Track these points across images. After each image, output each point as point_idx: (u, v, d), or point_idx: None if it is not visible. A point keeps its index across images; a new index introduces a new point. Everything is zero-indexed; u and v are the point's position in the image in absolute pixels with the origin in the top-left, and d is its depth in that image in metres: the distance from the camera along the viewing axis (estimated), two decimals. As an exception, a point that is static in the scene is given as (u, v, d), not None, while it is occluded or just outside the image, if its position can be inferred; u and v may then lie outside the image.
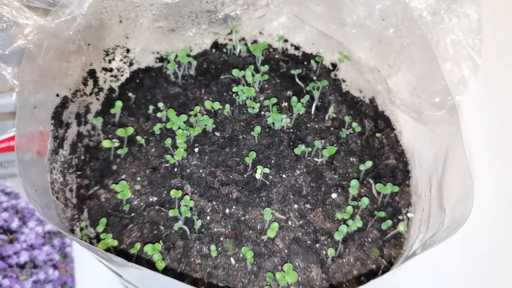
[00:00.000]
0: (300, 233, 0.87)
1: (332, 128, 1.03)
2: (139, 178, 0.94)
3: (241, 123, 1.01)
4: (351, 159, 0.98)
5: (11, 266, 1.04)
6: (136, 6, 0.94)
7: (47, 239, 1.10)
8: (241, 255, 0.84)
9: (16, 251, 1.07)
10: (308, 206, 0.91)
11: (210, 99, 1.04)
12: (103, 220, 0.87)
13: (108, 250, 0.84)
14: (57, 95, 0.92)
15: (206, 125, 0.99)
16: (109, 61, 1.06)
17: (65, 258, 1.08)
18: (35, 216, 1.12)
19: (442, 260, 1.00)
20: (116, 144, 0.95)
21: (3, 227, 1.09)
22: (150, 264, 0.83)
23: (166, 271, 0.82)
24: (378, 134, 1.03)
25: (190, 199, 0.89)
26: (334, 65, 1.14)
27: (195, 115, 1.00)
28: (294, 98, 1.02)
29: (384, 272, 0.85)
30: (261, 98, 1.05)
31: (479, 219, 0.99)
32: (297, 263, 0.83)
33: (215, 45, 1.17)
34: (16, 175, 0.80)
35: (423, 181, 0.92)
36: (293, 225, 0.88)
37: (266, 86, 1.08)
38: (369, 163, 0.94)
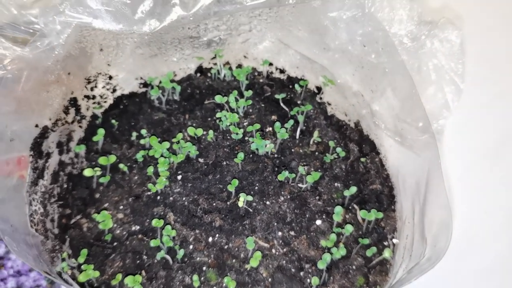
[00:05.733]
0: (284, 261, 0.86)
1: (316, 153, 1.02)
2: (121, 207, 0.94)
3: (225, 149, 1.00)
4: (336, 184, 0.97)
5: (-3, 293, 1.03)
6: (117, 34, 0.94)
7: (33, 265, 1.09)
8: (224, 284, 0.83)
9: (3, 277, 1.05)
10: (292, 233, 0.90)
11: (194, 124, 1.04)
12: (84, 251, 0.86)
13: (89, 281, 0.83)
14: (36, 125, 0.91)
15: (189, 151, 0.98)
16: (91, 89, 1.05)
17: (52, 284, 1.06)
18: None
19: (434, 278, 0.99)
20: (99, 173, 0.95)
21: (-11, 254, 1.08)
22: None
23: (148, 303, 0.81)
24: (363, 159, 1.02)
25: (172, 228, 0.88)
26: (319, 89, 1.14)
27: (178, 142, 0.99)
28: (278, 124, 1.01)
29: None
30: (245, 123, 1.05)
31: (472, 236, 0.98)
32: (281, 293, 0.82)
33: (200, 69, 1.17)
34: (3, 201, 0.79)
35: (407, 207, 0.91)
36: (277, 253, 0.87)
37: (251, 110, 1.07)
38: (353, 189, 0.93)
